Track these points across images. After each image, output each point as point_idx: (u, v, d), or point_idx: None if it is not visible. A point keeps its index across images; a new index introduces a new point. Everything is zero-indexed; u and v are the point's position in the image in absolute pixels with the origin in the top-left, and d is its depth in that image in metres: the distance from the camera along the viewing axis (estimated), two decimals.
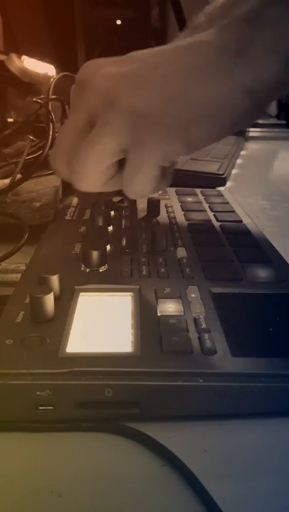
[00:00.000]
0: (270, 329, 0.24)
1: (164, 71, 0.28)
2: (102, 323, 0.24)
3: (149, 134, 0.27)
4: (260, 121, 1.37)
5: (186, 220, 0.41)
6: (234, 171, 0.74)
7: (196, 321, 0.24)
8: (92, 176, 0.29)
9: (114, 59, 0.31)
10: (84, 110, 0.29)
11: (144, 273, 0.30)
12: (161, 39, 1.21)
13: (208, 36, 0.28)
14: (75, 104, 0.31)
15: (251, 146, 1.04)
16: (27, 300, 0.25)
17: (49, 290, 0.24)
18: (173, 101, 0.27)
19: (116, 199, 0.44)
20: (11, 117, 0.76)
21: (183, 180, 0.59)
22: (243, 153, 0.92)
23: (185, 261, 0.32)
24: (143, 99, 0.27)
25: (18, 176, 0.43)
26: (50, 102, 0.57)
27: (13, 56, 0.77)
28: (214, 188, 0.56)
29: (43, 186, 0.44)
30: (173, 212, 0.43)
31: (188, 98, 0.27)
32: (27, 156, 0.47)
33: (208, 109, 0.28)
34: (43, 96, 0.63)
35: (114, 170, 0.30)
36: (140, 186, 0.29)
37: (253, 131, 1.23)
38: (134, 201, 0.43)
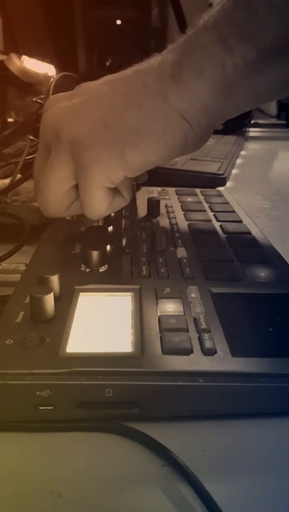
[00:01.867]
0: (270, 329, 0.24)
1: (104, 100, 0.30)
2: (102, 323, 0.24)
3: (88, 158, 0.29)
4: (260, 121, 1.36)
5: (186, 220, 0.41)
6: (234, 171, 0.74)
7: (196, 321, 0.24)
8: (53, 203, 0.31)
9: (70, 93, 0.33)
10: (42, 143, 0.32)
11: (144, 273, 0.30)
12: (161, 39, 1.20)
13: (154, 61, 0.30)
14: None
15: (251, 146, 1.04)
16: (27, 300, 0.25)
17: (49, 290, 0.24)
18: (107, 127, 0.29)
19: None
20: (11, 117, 0.76)
21: (183, 180, 0.59)
22: (243, 153, 0.92)
23: (185, 261, 0.32)
24: (81, 127, 0.29)
25: (18, 176, 0.43)
26: None
27: (13, 56, 0.77)
28: (214, 188, 0.56)
29: None
30: (173, 212, 0.43)
31: (122, 123, 0.29)
32: (27, 156, 0.47)
33: (143, 133, 0.29)
34: (43, 96, 0.63)
35: (74, 195, 0.31)
36: (93, 207, 0.31)
37: (253, 131, 1.22)
38: (134, 201, 0.43)
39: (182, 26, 1.08)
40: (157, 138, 0.29)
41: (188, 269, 0.30)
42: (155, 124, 0.29)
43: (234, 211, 0.44)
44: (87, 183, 0.30)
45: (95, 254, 0.30)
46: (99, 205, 0.30)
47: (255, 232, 0.38)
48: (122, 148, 0.29)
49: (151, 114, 0.29)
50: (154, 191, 0.50)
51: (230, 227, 0.39)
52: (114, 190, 0.31)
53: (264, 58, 0.27)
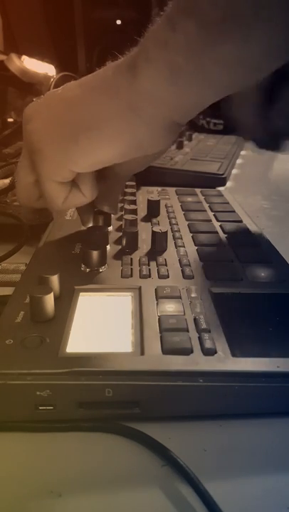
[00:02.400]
0: (270, 329, 0.24)
1: (69, 94, 0.30)
2: (102, 323, 0.24)
3: (35, 153, 0.29)
4: None
5: (186, 220, 0.41)
6: (234, 171, 0.74)
7: (196, 321, 0.24)
8: (22, 194, 0.32)
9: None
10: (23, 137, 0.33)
11: (144, 273, 0.30)
12: None
13: (123, 57, 0.29)
14: None
15: (251, 146, 1.04)
16: (27, 300, 0.25)
17: (49, 290, 0.24)
18: (57, 122, 0.29)
19: None
20: (11, 117, 0.77)
21: (183, 180, 0.59)
22: (243, 153, 0.92)
23: (185, 261, 0.32)
24: (38, 122, 0.30)
25: None
26: None
27: (13, 56, 0.77)
28: (214, 188, 0.56)
29: None
30: (173, 212, 0.43)
31: (73, 119, 0.28)
32: None
33: (84, 128, 0.28)
34: (42, 96, 0.63)
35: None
36: (49, 200, 0.31)
37: None
38: (134, 201, 0.43)
39: None
40: (100, 134, 0.28)
41: (188, 269, 0.30)
42: (100, 119, 0.28)
43: (234, 211, 0.44)
44: (39, 176, 0.30)
45: (95, 254, 0.30)
46: (52, 198, 0.30)
47: (255, 232, 0.38)
48: (65, 143, 0.28)
49: (100, 108, 0.28)
50: (154, 191, 0.50)
51: (230, 227, 0.39)
52: (73, 185, 0.31)
53: (205, 35, 0.24)
